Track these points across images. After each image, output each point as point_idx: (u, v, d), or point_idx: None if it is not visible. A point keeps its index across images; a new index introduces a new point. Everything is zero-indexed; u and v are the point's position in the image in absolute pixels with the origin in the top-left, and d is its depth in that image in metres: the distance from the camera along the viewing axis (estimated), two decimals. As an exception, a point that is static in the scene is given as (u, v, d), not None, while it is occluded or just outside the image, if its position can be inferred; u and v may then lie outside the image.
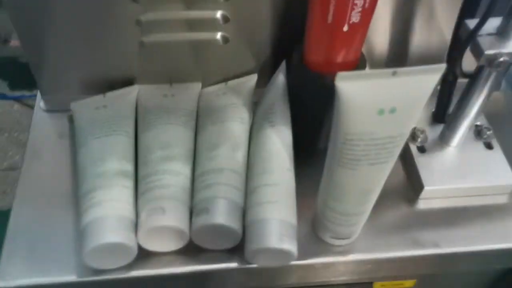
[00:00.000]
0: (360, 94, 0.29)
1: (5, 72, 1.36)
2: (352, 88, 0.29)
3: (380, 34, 0.52)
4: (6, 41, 1.33)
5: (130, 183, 0.42)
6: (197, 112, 0.49)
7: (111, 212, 0.39)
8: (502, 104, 0.55)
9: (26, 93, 1.34)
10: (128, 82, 0.51)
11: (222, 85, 0.51)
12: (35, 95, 0.53)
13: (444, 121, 0.49)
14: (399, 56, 0.54)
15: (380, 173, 0.35)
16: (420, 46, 0.53)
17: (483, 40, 0.38)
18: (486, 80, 0.40)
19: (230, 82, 0.51)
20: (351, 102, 0.30)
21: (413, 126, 0.31)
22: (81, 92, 0.51)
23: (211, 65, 0.51)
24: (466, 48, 0.39)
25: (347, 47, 0.41)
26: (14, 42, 1.32)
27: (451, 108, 0.48)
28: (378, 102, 0.30)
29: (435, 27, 0.51)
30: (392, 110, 0.30)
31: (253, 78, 0.50)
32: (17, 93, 1.35)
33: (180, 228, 0.39)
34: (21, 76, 1.29)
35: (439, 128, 0.49)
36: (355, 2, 0.37)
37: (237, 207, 0.41)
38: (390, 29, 0.51)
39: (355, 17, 0.39)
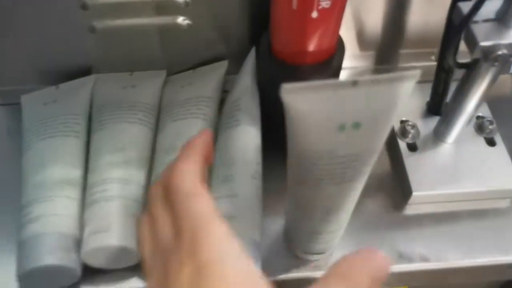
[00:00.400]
0: (313, 109, 0.24)
1: None
2: (302, 102, 0.24)
3: (372, 12, 0.45)
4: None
5: (76, 193, 0.37)
6: (160, 106, 0.44)
7: (49, 229, 0.35)
8: (510, 89, 0.49)
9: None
10: (85, 71, 0.46)
11: (189, 73, 0.46)
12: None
13: (440, 113, 0.43)
14: (394, 37, 0.47)
15: (349, 192, 0.29)
16: (417, 26, 0.46)
17: (479, 28, 0.31)
18: (486, 73, 0.34)
19: (199, 69, 0.46)
20: (303, 118, 0.24)
21: (383, 140, 0.25)
22: (37, 82, 0.46)
23: (176, 51, 0.45)
24: (459, 36, 0.32)
25: (319, 35, 0.35)
26: None
27: (449, 97, 0.42)
28: (337, 117, 0.24)
29: (435, 3, 0.44)
30: (356, 126, 0.24)
31: (223, 65, 0.45)
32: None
33: (128, 247, 0.35)
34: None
35: (434, 121, 0.43)
36: (323, -16, 0.31)
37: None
38: (384, 6, 0.45)
39: (325, 2, 0.32)
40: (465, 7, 0.32)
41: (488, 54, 0.30)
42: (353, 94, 0.23)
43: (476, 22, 0.31)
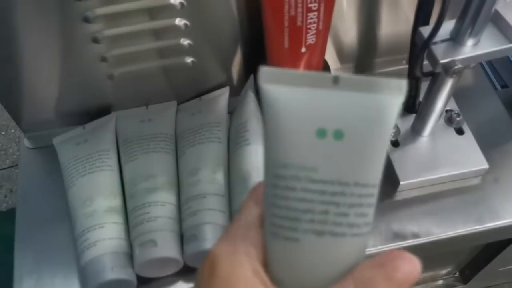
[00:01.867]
0: (291, 102, 0.20)
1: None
2: (283, 92, 0.20)
3: (349, 31, 0.52)
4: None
5: (120, 218, 0.44)
6: (176, 134, 0.50)
7: (106, 251, 0.42)
8: (471, 81, 0.57)
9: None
10: (105, 109, 0.52)
11: (197, 101, 0.53)
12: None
13: (415, 111, 0.51)
14: (369, 49, 0.55)
15: (335, 257, 0.21)
16: (388, 37, 0.54)
17: (438, 48, 0.39)
18: (447, 82, 0.42)
19: (204, 97, 0.53)
20: (279, 113, 0.20)
21: (376, 167, 0.21)
22: (62, 124, 0.52)
23: (183, 83, 0.52)
24: (422, 56, 0.40)
25: (308, 63, 0.42)
26: None
27: (422, 96, 0.49)
28: (315, 118, 0.20)
29: (401, 16, 0.52)
30: (338, 134, 0.20)
31: (225, 91, 0.52)
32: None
33: (173, 257, 0.42)
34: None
35: (411, 118, 0.51)
36: (309, 27, 0.38)
37: (224, 230, 0.43)
38: (358, 24, 0.52)
39: (311, 39, 0.40)
40: (425, 31, 0.39)
41: (448, 69, 0.38)
42: (335, 94, 0.20)
43: (435, 43, 0.39)
